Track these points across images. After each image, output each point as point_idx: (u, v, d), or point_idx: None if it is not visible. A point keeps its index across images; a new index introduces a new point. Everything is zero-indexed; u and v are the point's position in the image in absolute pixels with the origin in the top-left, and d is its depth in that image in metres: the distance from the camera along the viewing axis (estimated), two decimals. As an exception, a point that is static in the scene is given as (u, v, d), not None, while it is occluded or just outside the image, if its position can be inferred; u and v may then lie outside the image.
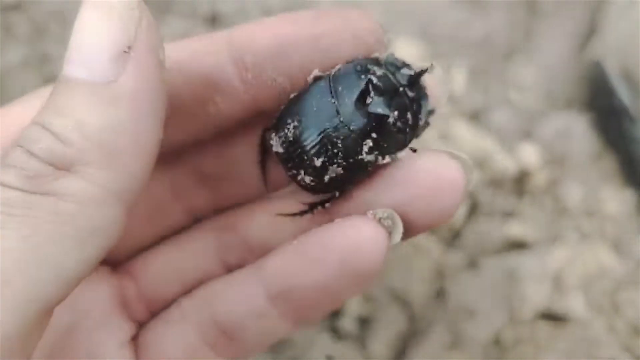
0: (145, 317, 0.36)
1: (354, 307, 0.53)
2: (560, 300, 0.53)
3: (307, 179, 0.30)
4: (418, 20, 0.63)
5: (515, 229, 0.56)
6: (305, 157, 0.30)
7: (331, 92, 0.29)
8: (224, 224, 0.36)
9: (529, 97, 0.61)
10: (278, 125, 0.31)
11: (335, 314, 0.54)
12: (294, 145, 0.30)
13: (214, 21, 0.64)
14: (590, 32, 0.64)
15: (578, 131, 0.60)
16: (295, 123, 0.30)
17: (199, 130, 0.33)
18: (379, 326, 0.54)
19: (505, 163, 0.57)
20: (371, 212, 0.29)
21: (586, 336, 0.52)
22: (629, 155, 0.58)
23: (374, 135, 0.29)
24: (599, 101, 0.60)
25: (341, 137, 0.29)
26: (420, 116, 0.30)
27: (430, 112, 0.31)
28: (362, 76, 0.29)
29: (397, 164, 0.30)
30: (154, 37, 0.28)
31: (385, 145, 0.29)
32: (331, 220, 0.31)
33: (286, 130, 0.30)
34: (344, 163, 0.29)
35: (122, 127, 0.26)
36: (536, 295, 0.53)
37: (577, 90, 0.62)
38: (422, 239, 0.55)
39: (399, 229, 0.29)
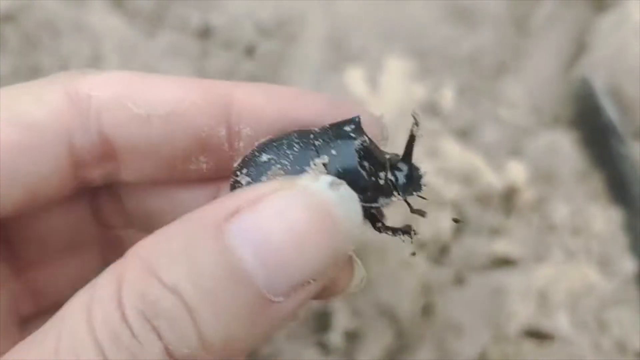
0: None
1: (341, 322, 0.53)
2: (546, 317, 0.53)
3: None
4: (408, 37, 0.64)
5: (502, 246, 0.56)
6: (243, 170, 0.27)
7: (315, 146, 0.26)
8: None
9: (518, 114, 0.62)
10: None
11: (323, 329, 0.54)
12: (249, 158, 0.28)
13: (205, 34, 0.64)
14: (579, 49, 0.64)
15: (565, 148, 0.60)
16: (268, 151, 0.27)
17: (168, 178, 0.31)
18: (366, 341, 0.54)
19: (492, 180, 0.57)
20: None
21: (572, 354, 0.52)
22: (616, 172, 0.59)
23: None
24: (587, 118, 0.61)
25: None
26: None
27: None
28: (358, 146, 0.26)
29: None
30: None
31: None
32: None
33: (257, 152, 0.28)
34: None
35: (256, 343, 0.24)
36: (522, 312, 0.53)
37: (565, 107, 0.63)
38: (409, 255, 0.55)
39: None
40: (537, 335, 0.53)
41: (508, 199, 0.58)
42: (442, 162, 0.58)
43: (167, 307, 0.22)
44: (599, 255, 0.56)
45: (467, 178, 0.57)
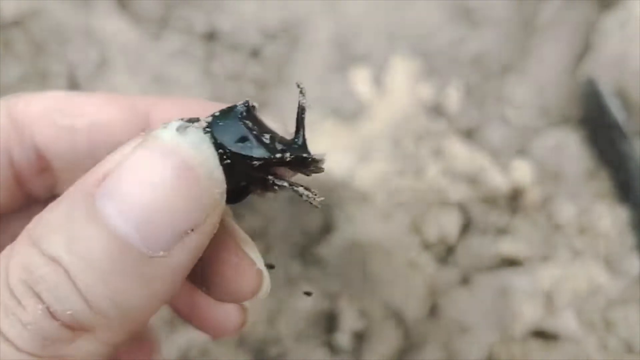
0: None
1: (348, 323, 0.54)
2: (553, 317, 0.53)
3: None
4: (413, 37, 0.64)
5: (508, 246, 0.56)
6: None
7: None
8: None
9: (523, 113, 0.62)
10: None
11: (330, 329, 0.54)
12: None
13: (211, 37, 0.64)
14: (585, 49, 0.64)
15: (571, 148, 0.60)
16: None
17: None
18: (374, 341, 0.54)
19: (498, 180, 0.57)
20: None
21: (578, 354, 0.52)
22: (622, 172, 0.59)
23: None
24: (593, 118, 0.61)
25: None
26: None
27: None
28: (241, 107, 0.26)
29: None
30: (217, 221, 0.25)
31: None
32: None
33: None
34: None
35: (154, 301, 0.24)
36: (528, 312, 0.53)
37: (571, 107, 0.63)
38: (416, 256, 0.56)
39: None
40: (544, 335, 0.53)
41: (514, 198, 0.58)
42: (448, 162, 0.58)
43: (46, 274, 0.23)
44: (606, 254, 0.56)
45: (473, 178, 0.57)
